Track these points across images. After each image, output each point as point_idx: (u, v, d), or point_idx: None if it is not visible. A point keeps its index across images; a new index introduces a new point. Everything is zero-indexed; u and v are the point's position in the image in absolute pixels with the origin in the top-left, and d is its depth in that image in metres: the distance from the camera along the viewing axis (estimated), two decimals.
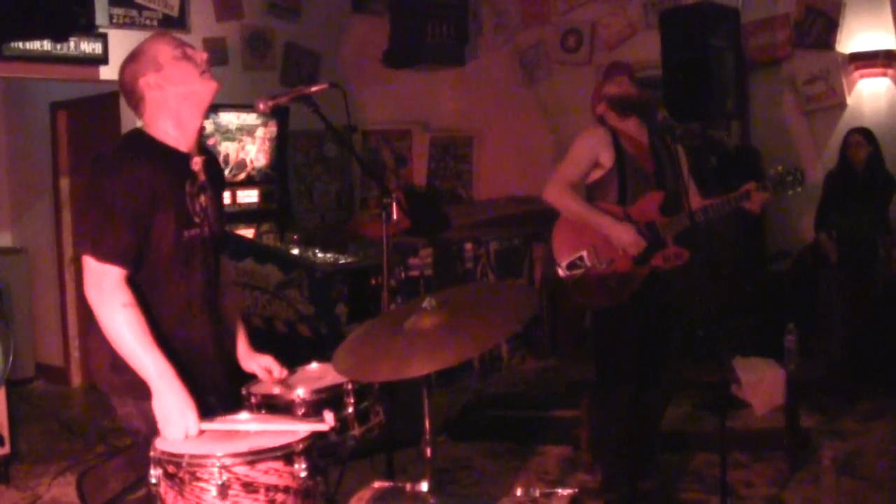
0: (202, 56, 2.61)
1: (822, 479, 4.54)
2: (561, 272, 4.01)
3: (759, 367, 5.50)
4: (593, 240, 3.95)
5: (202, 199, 2.60)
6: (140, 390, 2.43)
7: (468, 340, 2.31)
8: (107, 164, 2.49)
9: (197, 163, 2.60)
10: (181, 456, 2.11)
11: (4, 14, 4.53)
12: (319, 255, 6.09)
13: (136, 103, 2.59)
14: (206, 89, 2.59)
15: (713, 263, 4.21)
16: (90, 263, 2.40)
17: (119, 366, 2.46)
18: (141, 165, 2.44)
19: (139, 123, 2.63)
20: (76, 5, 4.75)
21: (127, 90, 2.59)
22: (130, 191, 2.40)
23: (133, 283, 2.43)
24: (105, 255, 2.39)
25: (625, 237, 3.90)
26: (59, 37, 4.97)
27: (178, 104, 2.55)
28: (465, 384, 6.19)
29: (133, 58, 2.59)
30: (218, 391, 2.64)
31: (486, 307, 2.48)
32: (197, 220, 2.56)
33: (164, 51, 2.56)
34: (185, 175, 2.56)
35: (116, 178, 2.43)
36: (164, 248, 2.49)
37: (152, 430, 2.39)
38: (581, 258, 3.96)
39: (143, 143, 2.54)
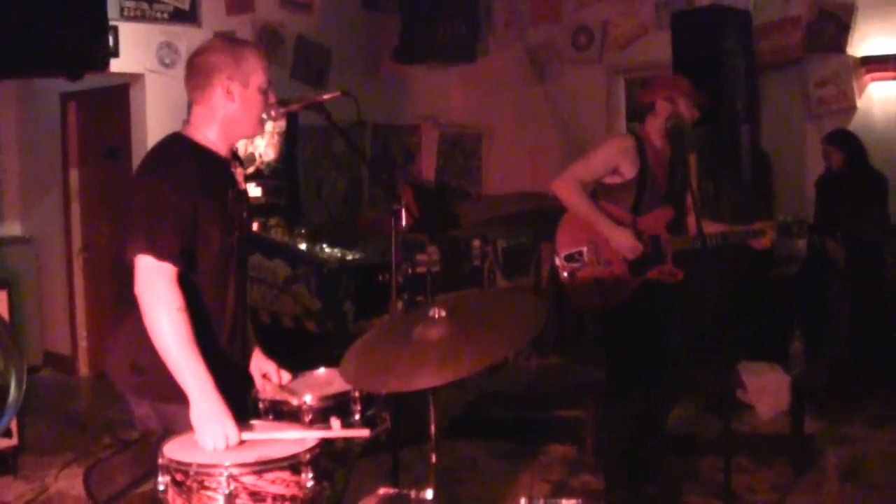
0: (273, 100, 2.64)
1: (826, 484, 4.55)
2: (558, 261, 4.08)
3: (764, 371, 5.50)
4: (595, 238, 3.99)
5: (240, 206, 2.65)
6: (158, 392, 2.44)
7: (476, 353, 2.31)
8: (153, 165, 2.52)
9: (240, 173, 2.66)
10: (189, 465, 2.13)
11: (21, 49, 4.47)
12: (327, 250, 6.10)
13: (200, 88, 2.57)
14: (255, 131, 2.68)
15: (719, 269, 4.21)
16: (146, 262, 2.38)
17: (139, 367, 2.48)
18: (187, 165, 2.47)
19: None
20: (93, 43, 4.69)
21: (201, 71, 2.56)
22: (179, 189, 2.42)
23: (183, 287, 2.42)
24: (162, 253, 2.38)
25: (623, 241, 3.94)
26: (75, 74, 4.83)
27: (231, 121, 2.58)
28: (470, 382, 6.18)
29: (231, 52, 2.57)
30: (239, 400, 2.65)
31: (494, 318, 2.48)
32: (236, 224, 2.61)
33: (258, 75, 2.58)
34: (226, 180, 2.60)
35: (165, 178, 2.44)
36: (209, 251, 2.50)
37: (168, 432, 2.41)
38: (580, 253, 4.02)
39: (186, 145, 2.56)
